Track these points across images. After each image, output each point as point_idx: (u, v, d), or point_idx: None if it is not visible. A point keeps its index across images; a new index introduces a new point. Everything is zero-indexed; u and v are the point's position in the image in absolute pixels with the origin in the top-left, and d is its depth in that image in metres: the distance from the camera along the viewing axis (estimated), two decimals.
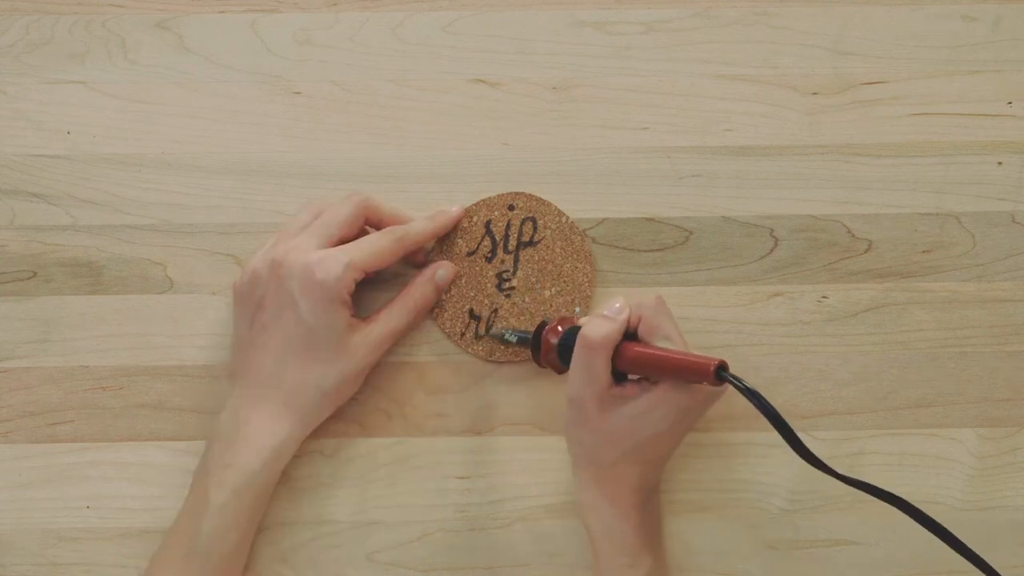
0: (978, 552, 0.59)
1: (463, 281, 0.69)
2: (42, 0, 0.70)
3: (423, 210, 0.69)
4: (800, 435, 0.69)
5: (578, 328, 0.63)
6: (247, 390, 0.65)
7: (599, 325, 0.61)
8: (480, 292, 0.69)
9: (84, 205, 0.70)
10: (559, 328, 0.64)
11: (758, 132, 0.70)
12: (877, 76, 0.71)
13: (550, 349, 0.64)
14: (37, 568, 0.68)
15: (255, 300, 0.65)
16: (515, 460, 0.69)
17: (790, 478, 0.69)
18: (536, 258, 0.69)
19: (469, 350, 0.69)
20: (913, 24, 0.71)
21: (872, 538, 0.69)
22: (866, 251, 0.70)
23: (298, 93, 0.70)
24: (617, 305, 0.62)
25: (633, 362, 0.61)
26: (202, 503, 0.63)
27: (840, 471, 0.68)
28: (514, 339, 0.67)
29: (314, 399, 0.65)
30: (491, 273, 0.69)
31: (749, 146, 0.70)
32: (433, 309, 0.69)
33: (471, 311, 0.69)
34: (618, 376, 0.62)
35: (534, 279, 0.69)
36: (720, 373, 0.58)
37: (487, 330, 0.68)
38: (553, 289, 0.69)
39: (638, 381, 0.62)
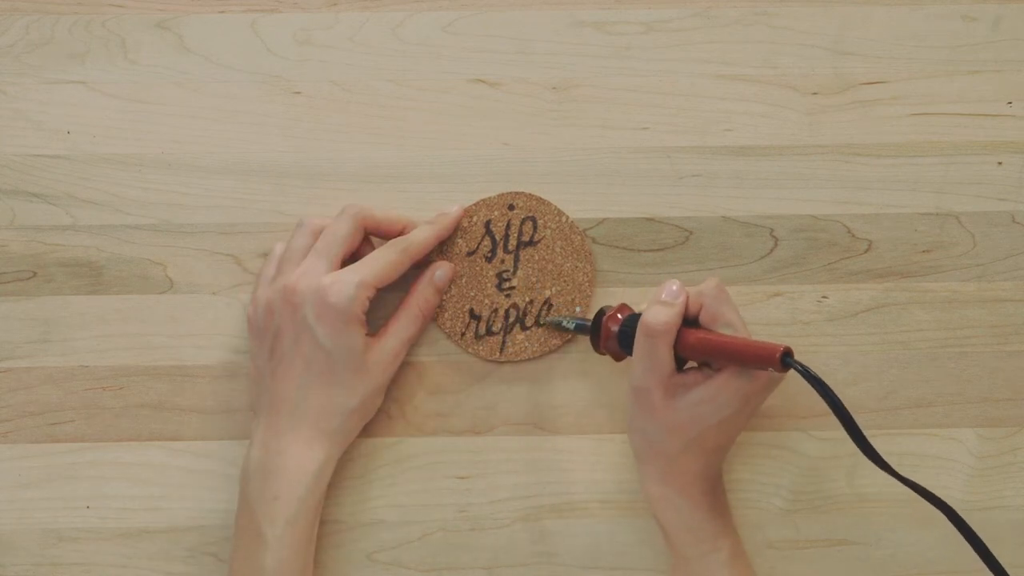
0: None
1: (463, 281, 0.69)
2: (42, 0, 0.70)
3: (423, 210, 0.69)
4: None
5: (638, 316, 0.63)
6: (274, 420, 0.65)
7: (659, 312, 0.62)
8: (480, 292, 0.69)
9: (84, 205, 0.70)
10: (619, 316, 0.65)
11: (758, 132, 0.70)
12: (877, 76, 0.71)
13: (610, 336, 0.65)
14: (37, 568, 0.68)
15: (272, 330, 0.65)
16: (515, 460, 0.69)
17: (790, 478, 0.69)
18: (536, 258, 0.69)
19: (469, 350, 0.69)
20: (913, 24, 0.71)
21: (872, 538, 0.69)
22: (866, 251, 0.70)
23: (298, 93, 0.70)
24: (674, 288, 0.62)
25: (695, 348, 0.62)
26: (257, 540, 0.63)
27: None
28: (572, 326, 0.67)
29: (342, 421, 0.65)
30: (491, 273, 0.69)
31: (749, 146, 0.70)
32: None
33: (471, 311, 0.69)
34: (678, 363, 0.63)
35: (534, 279, 0.69)
36: (786, 360, 0.58)
37: (538, 320, 0.68)
38: (553, 289, 0.69)
39: (700, 368, 0.63)
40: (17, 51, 0.70)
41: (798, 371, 0.58)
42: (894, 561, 0.69)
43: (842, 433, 0.69)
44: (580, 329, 0.67)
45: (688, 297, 0.63)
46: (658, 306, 0.62)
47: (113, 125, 0.70)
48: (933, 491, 0.59)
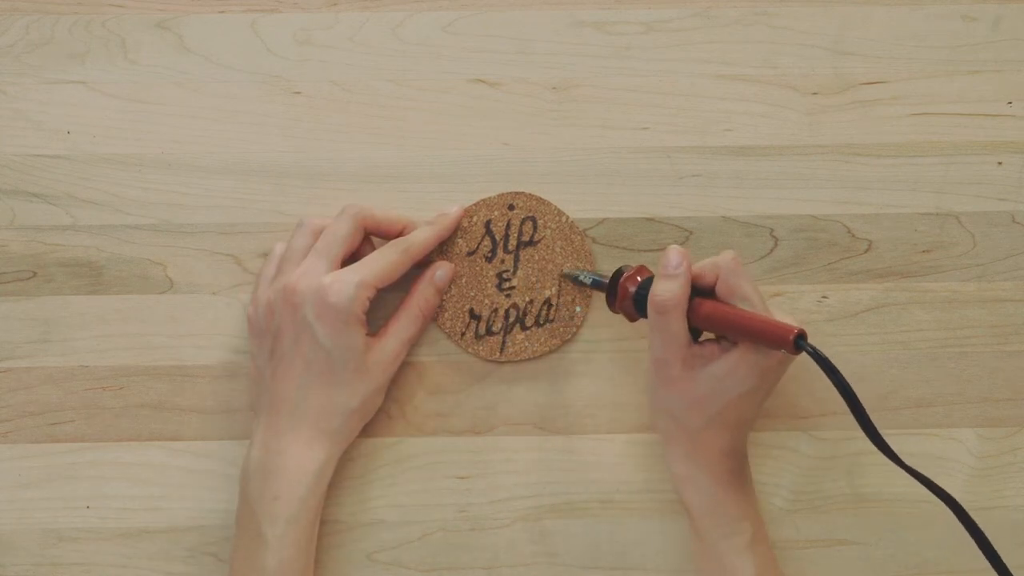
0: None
1: (463, 281, 0.69)
2: (42, 0, 0.70)
3: (423, 210, 0.69)
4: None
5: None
6: (274, 420, 0.65)
7: (665, 286, 0.61)
8: (480, 292, 0.69)
9: (84, 205, 0.70)
10: (637, 278, 0.64)
11: (758, 132, 0.70)
12: (877, 76, 0.71)
13: (626, 297, 0.64)
14: (37, 568, 0.68)
15: (272, 330, 0.65)
16: (515, 460, 0.69)
17: (790, 478, 0.69)
18: (536, 258, 0.69)
19: (469, 350, 0.69)
20: (913, 24, 0.71)
21: (872, 538, 0.69)
22: (866, 251, 0.70)
23: (298, 93, 0.70)
24: (676, 258, 0.62)
25: (709, 320, 0.61)
26: (258, 540, 0.63)
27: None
28: (589, 281, 0.67)
29: (342, 421, 0.65)
30: (491, 273, 0.69)
31: (749, 146, 0.70)
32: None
33: (471, 311, 0.69)
34: (696, 333, 0.63)
35: (534, 279, 0.69)
36: (799, 342, 0.58)
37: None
38: (553, 288, 0.69)
39: (718, 341, 0.63)
40: (17, 51, 0.70)
41: (810, 355, 0.57)
42: (894, 561, 0.69)
43: (842, 433, 0.69)
44: (596, 285, 0.67)
45: (692, 265, 0.62)
46: (663, 280, 0.62)
47: (113, 125, 0.70)
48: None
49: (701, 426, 0.63)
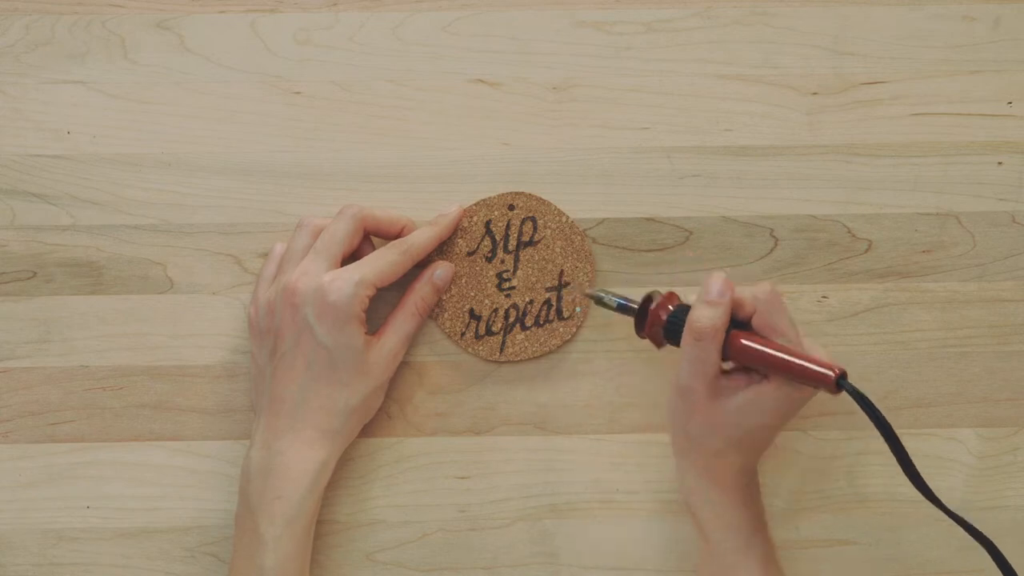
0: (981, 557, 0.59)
1: (463, 281, 0.69)
2: (42, 0, 0.70)
3: (423, 210, 0.69)
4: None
5: (687, 308, 0.62)
6: (275, 420, 0.65)
7: (706, 313, 0.61)
8: (480, 292, 0.69)
9: (84, 205, 0.70)
10: (669, 306, 0.63)
11: (758, 132, 0.70)
12: (877, 76, 0.71)
13: (657, 323, 0.63)
14: (37, 568, 0.68)
15: (272, 330, 0.65)
16: (515, 460, 0.69)
17: (790, 478, 0.69)
18: (536, 258, 0.69)
19: (469, 350, 0.69)
20: (913, 24, 0.71)
21: (872, 538, 0.69)
22: (866, 251, 0.70)
23: (298, 93, 0.70)
24: (719, 286, 0.61)
25: (746, 355, 0.61)
26: (256, 540, 0.63)
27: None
28: (614, 304, 0.65)
29: (342, 420, 0.65)
30: (491, 273, 0.69)
31: (749, 146, 0.70)
32: (433, 309, 0.69)
33: (471, 311, 0.69)
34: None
35: (534, 279, 0.69)
36: (841, 382, 0.58)
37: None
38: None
39: (746, 372, 0.62)
40: (17, 51, 0.70)
41: (852, 396, 0.58)
42: (894, 561, 0.69)
43: (842, 433, 0.69)
44: (623, 309, 0.65)
45: (738, 296, 0.61)
46: (705, 307, 0.61)
47: (113, 125, 0.70)
48: (939, 496, 0.59)
49: (717, 450, 0.62)
